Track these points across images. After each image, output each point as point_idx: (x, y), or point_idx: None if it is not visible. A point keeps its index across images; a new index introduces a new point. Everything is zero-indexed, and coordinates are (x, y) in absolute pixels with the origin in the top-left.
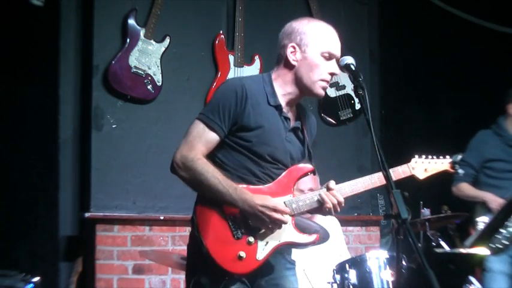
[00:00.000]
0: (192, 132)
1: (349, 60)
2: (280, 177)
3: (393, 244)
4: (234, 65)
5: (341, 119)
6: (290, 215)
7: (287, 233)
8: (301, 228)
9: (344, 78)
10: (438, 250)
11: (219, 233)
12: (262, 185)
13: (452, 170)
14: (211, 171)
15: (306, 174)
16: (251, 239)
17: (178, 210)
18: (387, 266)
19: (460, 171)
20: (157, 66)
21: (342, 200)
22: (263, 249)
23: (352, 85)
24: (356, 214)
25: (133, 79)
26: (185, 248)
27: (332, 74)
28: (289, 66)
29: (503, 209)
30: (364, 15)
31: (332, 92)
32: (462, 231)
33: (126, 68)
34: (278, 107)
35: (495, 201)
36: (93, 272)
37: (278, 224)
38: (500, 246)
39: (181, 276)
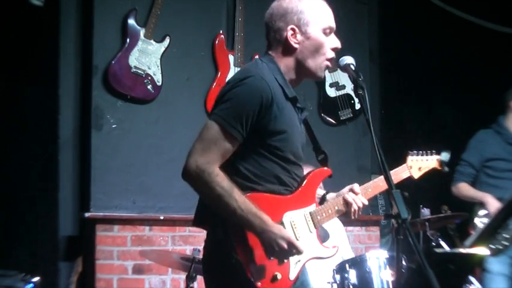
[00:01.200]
0: (209, 138)
1: (349, 60)
2: (303, 185)
3: (393, 244)
4: (234, 65)
5: (341, 119)
6: (315, 228)
7: (313, 247)
8: (324, 238)
9: (344, 78)
10: (438, 250)
11: (255, 252)
12: (289, 193)
13: (439, 168)
14: (230, 192)
15: (325, 178)
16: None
17: (178, 210)
18: (387, 266)
19: (446, 169)
20: (157, 66)
21: (366, 202)
22: (294, 268)
23: (352, 85)
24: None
25: (133, 79)
26: (185, 247)
27: (335, 50)
28: (290, 50)
29: (503, 209)
30: (364, 14)
31: (332, 92)
32: (462, 231)
33: (126, 68)
34: (294, 99)
35: (493, 204)
36: (93, 272)
37: (286, 256)
38: (500, 247)
39: (181, 276)
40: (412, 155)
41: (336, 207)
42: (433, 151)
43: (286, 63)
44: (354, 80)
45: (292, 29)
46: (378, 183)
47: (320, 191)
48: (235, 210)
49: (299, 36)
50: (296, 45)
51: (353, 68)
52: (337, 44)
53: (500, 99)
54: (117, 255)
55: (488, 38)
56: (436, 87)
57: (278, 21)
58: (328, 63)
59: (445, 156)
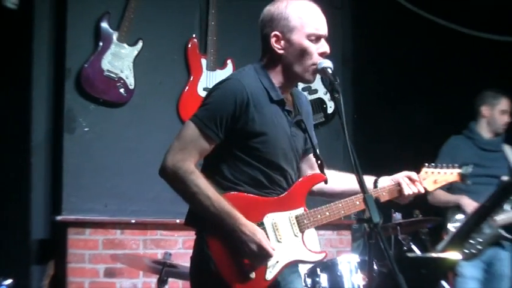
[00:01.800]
0: (186, 137)
1: (327, 63)
2: (291, 188)
3: (365, 248)
4: (207, 69)
5: (313, 123)
6: (301, 232)
7: (297, 251)
8: (310, 244)
9: (316, 83)
10: (410, 254)
11: (230, 253)
12: (273, 195)
13: (461, 182)
14: (204, 190)
15: (318, 183)
16: None
17: (150, 214)
18: (358, 270)
19: (469, 183)
20: (130, 70)
21: (422, 190)
22: (272, 269)
23: (325, 89)
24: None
25: (106, 82)
26: (156, 251)
27: (322, 55)
28: (275, 56)
29: (475, 213)
30: (337, 19)
31: None
32: (434, 236)
33: (99, 71)
34: (281, 102)
35: (470, 205)
36: (64, 275)
37: (256, 259)
38: (474, 252)
39: (153, 280)
40: (427, 167)
41: (320, 216)
42: (451, 164)
43: (275, 68)
44: (330, 83)
45: (276, 36)
46: (394, 189)
47: (371, 178)
48: (209, 208)
49: (283, 43)
50: (280, 51)
51: (330, 72)
52: (325, 49)
53: (473, 104)
54: (89, 258)
55: (462, 43)
56: (409, 92)
57: (265, 27)
58: (315, 67)
59: (465, 169)
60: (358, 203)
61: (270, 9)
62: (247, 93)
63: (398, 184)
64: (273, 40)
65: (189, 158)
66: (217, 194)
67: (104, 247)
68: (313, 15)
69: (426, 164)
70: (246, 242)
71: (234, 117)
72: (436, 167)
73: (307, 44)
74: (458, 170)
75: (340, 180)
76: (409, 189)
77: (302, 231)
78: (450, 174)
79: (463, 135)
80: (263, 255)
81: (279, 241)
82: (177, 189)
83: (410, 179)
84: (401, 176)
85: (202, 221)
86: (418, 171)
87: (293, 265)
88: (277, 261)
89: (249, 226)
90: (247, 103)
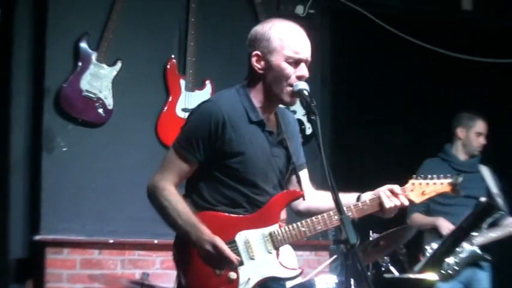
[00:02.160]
0: (167, 160)
1: (302, 85)
2: (265, 205)
3: (342, 269)
4: (186, 90)
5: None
6: (275, 249)
7: (270, 267)
8: (284, 261)
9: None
10: (387, 275)
11: (201, 269)
12: (247, 214)
13: (453, 193)
14: (173, 204)
15: (294, 200)
16: (233, 275)
17: (128, 234)
18: None
19: (462, 193)
20: (109, 90)
21: (406, 203)
22: (244, 286)
23: (303, 110)
24: (305, 239)
25: (85, 102)
26: (134, 271)
27: (300, 78)
28: (256, 75)
29: (452, 234)
30: (315, 40)
31: None
32: (412, 257)
33: (78, 91)
34: (260, 122)
35: (446, 226)
36: None
37: (213, 261)
38: (451, 272)
39: None
40: (415, 179)
41: (294, 232)
42: (441, 175)
43: (256, 88)
44: (307, 105)
45: (257, 55)
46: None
47: (354, 194)
48: (176, 221)
49: (263, 63)
50: (260, 72)
51: (306, 94)
52: (303, 72)
53: (449, 125)
54: (67, 278)
55: (440, 64)
56: (387, 112)
57: (250, 46)
58: (292, 89)
59: (456, 179)
60: (336, 217)
61: (256, 29)
62: (223, 115)
63: (379, 197)
64: (253, 59)
65: (166, 177)
66: (187, 208)
67: (81, 267)
68: (295, 38)
69: (414, 176)
70: (204, 245)
71: (210, 139)
72: (425, 178)
73: (284, 66)
74: (449, 180)
75: (327, 199)
76: (390, 202)
77: (276, 248)
78: (440, 185)
79: (438, 158)
80: (222, 257)
81: (251, 258)
82: (154, 206)
83: (392, 191)
84: (383, 190)
85: (177, 237)
86: (403, 185)
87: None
88: (249, 278)
89: (210, 234)
90: (224, 124)
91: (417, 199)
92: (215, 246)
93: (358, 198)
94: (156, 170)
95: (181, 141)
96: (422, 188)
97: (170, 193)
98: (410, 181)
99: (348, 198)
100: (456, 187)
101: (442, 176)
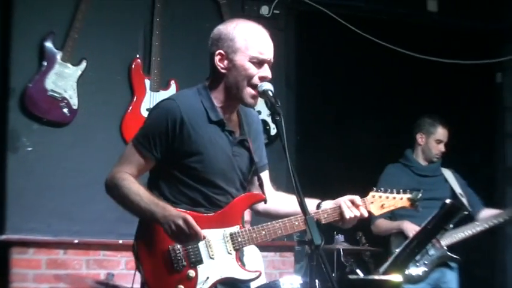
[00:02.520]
0: (124, 155)
1: (267, 86)
2: (227, 206)
3: (307, 270)
4: (150, 90)
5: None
6: (235, 250)
7: (229, 268)
8: (245, 262)
9: (259, 104)
10: (352, 276)
11: (160, 265)
12: (208, 213)
13: (411, 208)
14: (134, 189)
15: (256, 203)
16: (192, 272)
17: (93, 234)
18: None
19: (420, 209)
20: (74, 90)
21: (365, 214)
22: (203, 285)
23: (268, 111)
24: (269, 240)
25: (50, 102)
26: (99, 271)
27: (263, 79)
28: (219, 74)
29: (417, 236)
30: (280, 41)
31: None
32: (377, 258)
33: (43, 90)
34: (220, 122)
35: (412, 229)
36: None
37: (186, 236)
38: (421, 274)
39: None
40: (375, 191)
41: (255, 234)
42: (401, 190)
43: (217, 87)
44: (271, 106)
45: (220, 54)
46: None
47: (315, 201)
48: (139, 203)
49: (226, 62)
50: (223, 71)
51: (271, 94)
52: (266, 73)
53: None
54: (32, 278)
55: (404, 65)
56: (352, 114)
57: (213, 45)
58: (253, 92)
59: (415, 195)
60: (297, 223)
61: (219, 28)
62: (181, 112)
63: (339, 207)
64: (217, 58)
65: (124, 169)
66: (148, 193)
67: (47, 267)
68: (260, 39)
69: (374, 188)
70: (173, 219)
71: (167, 136)
72: (385, 191)
73: (248, 66)
74: (408, 195)
75: (286, 203)
76: (350, 213)
77: (236, 249)
78: (400, 200)
79: (399, 163)
80: (191, 233)
81: (211, 257)
82: (114, 196)
83: (352, 202)
84: (344, 200)
85: (136, 234)
86: (362, 193)
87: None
88: (208, 277)
89: (176, 210)
90: (181, 122)
91: (376, 212)
92: (186, 220)
93: (318, 206)
94: (113, 166)
95: (139, 137)
96: (382, 201)
97: (130, 181)
98: (371, 193)
99: (308, 205)
100: (415, 203)
101: (402, 190)
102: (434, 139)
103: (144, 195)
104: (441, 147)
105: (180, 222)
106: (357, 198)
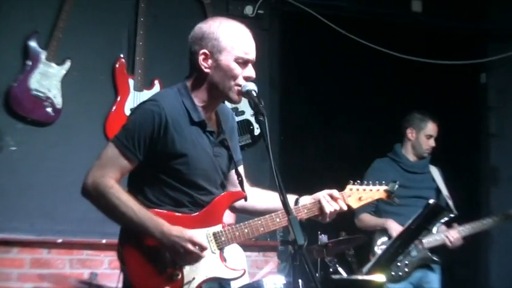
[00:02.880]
0: (106, 156)
1: (251, 86)
2: (209, 205)
3: (290, 270)
4: (134, 89)
5: (240, 144)
6: (218, 249)
7: (214, 267)
8: (229, 261)
9: (243, 104)
10: (335, 276)
11: (145, 267)
12: (192, 213)
13: (388, 199)
14: (125, 201)
15: (237, 200)
16: (177, 274)
17: (76, 234)
18: None
19: (396, 201)
20: (58, 89)
21: (345, 208)
22: (189, 285)
23: (251, 111)
24: (253, 239)
25: (34, 101)
26: (83, 271)
27: (247, 79)
28: (202, 74)
29: (401, 236)
30: (265, 41)
31: None
32: (360, 258)
33: (27, 90)
34: (202, 123)
35: (396, 228)
36: None
37: (194, 257)
38: (401, 274)
39: None
40: (352, 184)
41: (238, 233)
42: (377, 182)
43: (199, 87)
44: (255, 106)
45: (205, 54)
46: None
47: (292, 196)
48: (132, 218)
49: (210, 62)
50: (207, 70)
51: (255, 94)
52: (251, 73)
53: (399, 126)
54: (16, 277)
55: (388, 65)
56: (335, 113)
57: (195, 44)
58: (239, 88)
59: (392, 186)
60: (278, 220)
61: (201, 27)
62: (166, 115)
63: (319, 202)
64: (201, 58)
65: (108, 174)
66: (139, 205)
67: (31, 266)
68: (244, 39)
69: (351, 181)
70: (179, 242)
71: (152, 139)
72: (361, 184)
73: (233, 66)
74: (385, 187)
75: (263, 198)
76: (329, 207)
77: (220, 248)
78: (376, 191)
79: (387, 158)
80: (199, 251)
81: None
82: (99, 205)
83: (331, 196)
84: (323, 194)
85: (120, 236)
86: (344, 187)
87: (224, 284)
88: (194, 278)
89: (174, 228)
90: (166, 125)
91: (354, 204)
92: (194, 242)
93: (296, 202)
94: (91, 167)
95: (123, 139)
96: (359, 193)
97: (117, 190)
98: (348, 186)
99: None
100: (391, 194)
101: (378, 182)
102: (425, 134)
103: (135, 207)
104: (431, 142)
105: (190, 246)
106: (334, 192)
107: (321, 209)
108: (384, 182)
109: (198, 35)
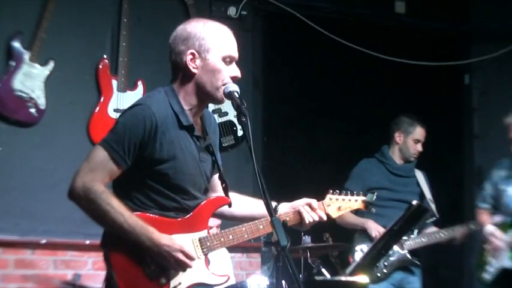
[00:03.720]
0: (95, 159)
1: (233, 87)
2: (195, 210)
3: (274, 271)
4: (118, 90)
5: (223, 145)
6: (203, 254)
7: (199, 273)
8: (214, 266)
9: (226, 105)
10: (318, 278)
11: (132, 272)
12: (177, 218)
13: (365, 210)
14: (116, 207)
15: (222, 206)
16: (163, 279)
17: (61, 235)
18: None
19: (373, 210)
20: (41, 90)
21: (325, 218)
22: None
23: (235, 112)
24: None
25: (17, 102)
26: (67, 272)
27: (234, 78)
28: (189, 74)
29: (383, 237)
30: (248, 42)
31: None
32: (344, 259)
33: (10, 90)
34: (190, 127)
35: (375, 229)
36: None
37: (183, 266)
38: (380, 275)
39: None
40: (332, 194)
41: (223, 239)
42: (355, 192)
43: (186, 89)
44: (237, 107)
45: (192, 54)
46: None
47: (273, 203)
48: (122, 225)
49: (198, 61)
50: (194, 70)
51: (237, 95)
52: (237, 73)
53: (384, 128)
54: (0, 278)
55: (372, 66)
56: (319, 115)
57: (180, 44)
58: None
59: (370, 197)
60: (261, 227)
61: (185, 27)
62: (156, 120)
63: (299, 213)
64: (188, 58)
65: (98, 179)
66: (129, 211)
67: (15, 267)
68: (229, 38)
69: (331, 191)
70: (169, 252)
71: (142, 144)
72: (340, 193)
73: (221, 65)
74: (363, 198)
75: (241, 204)
76: (309, 218)
77: (205, 254)
78: (354, 202)
79: (374, 159)
80: (188, 260)
81: None
82: (88, 209)
83: (310, 206)
84: (302, 204)
85: (106, 239)
86: (324, 196)
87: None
88: (180, 283)
89: (165, 237)
90: (156, 130)
91: (334, 214)
92: (185, 253)
93: (275, 209)
94: (80, 170)
95: (113, 144)
96: (339, 203)
97: (108, 196)
98: (328, 196)
99: (264, 208)
100: (369, 205)
101: (355, 193)
102: (413, 138)
103: (126, 214)
104: (419, 147)
105: (180, 256)
106: (313, 202)
107: (301, 219)
108: (361, 192)
109: (183, 36)
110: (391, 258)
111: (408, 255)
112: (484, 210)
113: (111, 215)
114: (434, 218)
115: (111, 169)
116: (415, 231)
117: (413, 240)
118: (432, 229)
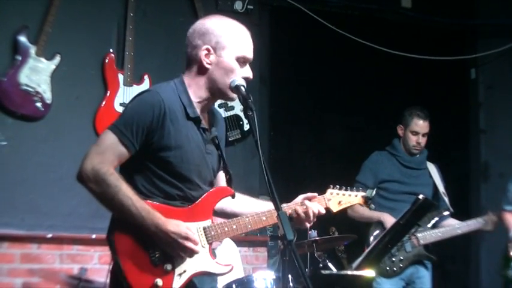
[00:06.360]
0: (105, 143)
1: (240, 81)
2: (199, 200)
3: (280, 265)
4: (124, 84)
5: (229, 139)
6: (208, 243)
7: (204, 262)
8: (219, 256)
9: None
10: (324, 272)
11: (138, 259)
12: (182, 207)
13: (364, 205)
14: (124, 190)
15: (226, 196)
16: (169, 266)
17: (66, 229)
18: (274, 287)
19: (372, 206)
20: (47, 84)
21: (323, 211)
22: (180, 278)
23: (241, 106)
24: (243, 235)
25: (23, 96)
26: (73, 266)
27: (246, 79)
28: (202, 69)
29: (390, 231)
30: (254, 36)
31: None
32: (351, 253)
33: (16, 85)
34: (197, 119)
35: (391, 222)
36: None
37: (188, 252)
38: (396, 269)
39: None
40: (333, 189)
41: (227, 228)
42: (354, 188)
43: (198, 82)
44: (244, 101)
45: (207, 49)
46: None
47: (267, 203)
48: (130, 208)
49: (212, 57)
50: (208, 66)
51: (244, 90)
52: (249, 74)
53: (391, 122)
54: (6, 272)
55: (379, 60)
56: (325, 109)
57: (197, 38)
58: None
59: (369, 193)
60: (264, 218)
61: (204, 23)
62: (165, 106)
63: (296, 211)
64: (203, 53)
65: (107, 161)
66: (137, 195)
67: (21, 261)
68: (246, 39)
69: (331, 186)
70: (175, 239)
71: (151, 129)
72: (340, 188)
73: (235, 64)
74: (362, 194)
75: (243, 202)
76: (309, 211)
77: (209, 243)
78: (354, 197)
79: (386, 151)
80: (194, 246)
81: None
82: (96, 191)
83: (308, 199)
84: (299, 202)
85: (112, 226)
86: (325, 190)
87: (211, 280)
88: (185, 271)
89: (170, 222)
90: (164, 116)
91: (334, 208)
92: (190, 239)
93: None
94: (89, 153)
95: (121, 127)
96: (339, 198)
97: (117, 178)
98: (329, 190)
99: (263, 207)
100: (368, 201)
101: (355, 188)
102: (411, 130)
103: (134, 198)
104: (418, 139)
105: (186, 242)
106: (310, 194)
107: (298, 215)
108: (361, 188)
109: (201, 30)
110: (407, 253)
111: (423, 250)
112: (509, 212)
113: (119, 197)
114: (447, 213)
115: (120, 152)
116: (430, 224)
117: (428, 234)
118: (449, 221)
